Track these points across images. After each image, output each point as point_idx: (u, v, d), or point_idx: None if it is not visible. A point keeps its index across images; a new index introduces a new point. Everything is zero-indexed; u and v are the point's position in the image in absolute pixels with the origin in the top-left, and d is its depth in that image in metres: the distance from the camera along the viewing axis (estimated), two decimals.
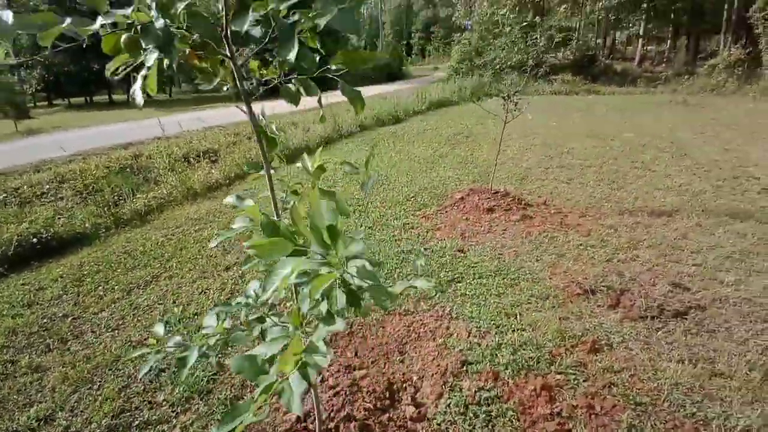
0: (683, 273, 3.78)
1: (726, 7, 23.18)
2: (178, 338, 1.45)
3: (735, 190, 6.01)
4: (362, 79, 33.70)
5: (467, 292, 3.59)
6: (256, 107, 1.47)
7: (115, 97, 38.15)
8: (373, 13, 61.84)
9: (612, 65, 29.14)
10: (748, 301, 3.35)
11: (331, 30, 1.18)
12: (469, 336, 3.01)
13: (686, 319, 3.15)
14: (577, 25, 31.33)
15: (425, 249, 4.41)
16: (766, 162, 7.33)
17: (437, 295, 3.54)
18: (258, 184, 6.35)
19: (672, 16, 26.64)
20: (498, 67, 24.17)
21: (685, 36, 25.48)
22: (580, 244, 4.38)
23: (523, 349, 2.85)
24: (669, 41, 30.40)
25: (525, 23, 24.15)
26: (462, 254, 4.28)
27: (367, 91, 22.45)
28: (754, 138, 9.28)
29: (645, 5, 27.26)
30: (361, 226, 5.17)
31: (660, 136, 9.82)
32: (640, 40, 32.38)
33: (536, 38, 23.16)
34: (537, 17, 24.66)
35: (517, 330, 3.07)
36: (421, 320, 3.23)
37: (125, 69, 1.27)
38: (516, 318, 3.23)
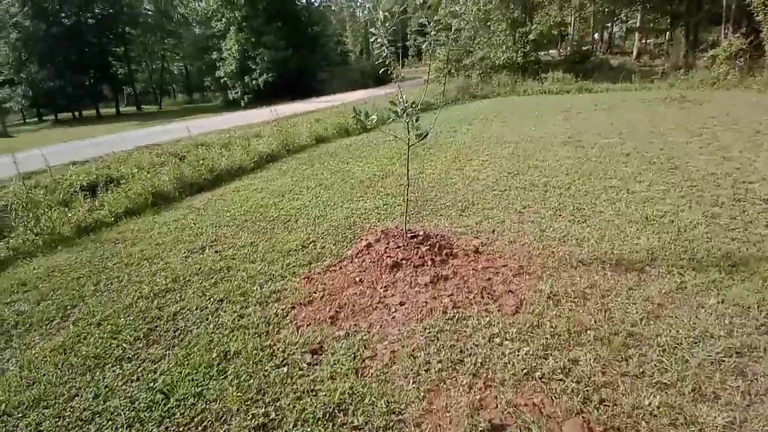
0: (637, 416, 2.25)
1: None
2: None
3: (735, 221, 4.44)
4: (351, 84, 32.37)
5: None
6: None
7: (104, 110, 37.31)
8: (368, 16, 60.43)
9: (607, 60, 27.32)
10: None
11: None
12: None
13: None
14: (571, 20, 29.51)
15: (259, 350, 2.92)
16: None
17: None
18: (141, 230, 4.97)
19: (669, 6, 24.73)
20: (486, 66, 22.72)
21: (683, 26, 23.56)
22: (494, 336, 2.87)
23: None
24: (667, 33, 28.43)
25: (512, 19, 22.60)
26: (315, 357, 2.80)
27: (350, 97, 21.04)
28: (759, 140, 7.62)
29: None
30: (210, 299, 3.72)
31: (649, 141, 8.20)
32: (637, 33, 30.45)
33: (525, 34, 21.50)
34: (525, 13, 23.08)
35: None
36: None
37: None
38: None
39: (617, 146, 8.07)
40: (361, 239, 4.53)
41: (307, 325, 3.13)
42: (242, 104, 30.63)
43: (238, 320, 3.30)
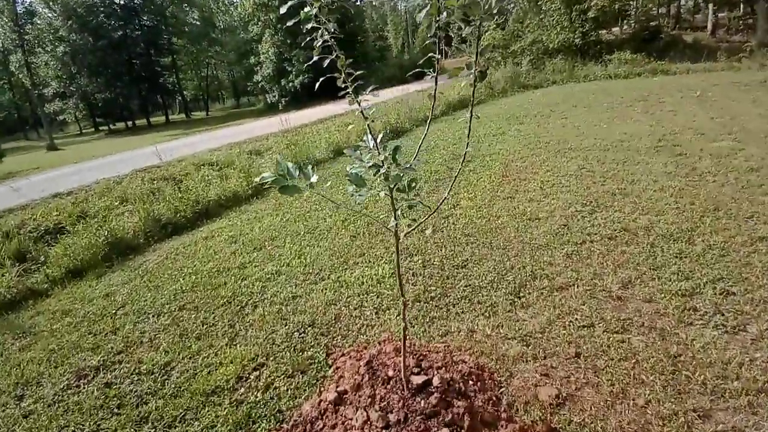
0: None
1: None
2: None
3: None
4: (389, 80, 30.20)
5: None
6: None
7: (154, 119, 37.98)
8: (410, 8, 57.65)
9: (680, 36, 23.04)
10: None
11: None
12: None
13: None
14: None
15: None
16: None
17: None
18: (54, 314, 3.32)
19: None
20: (537, 51, 19.54)
21: None
22: None
23: None
24: (742, 4, 23.17)
25: None
26: None
27: (386, 94, 18.94)
28: None
29: None
30: None
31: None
32: (710, 5, 25.38)
33: (583, 11, 18.10)
34: None
35: None
36: None
37: None
38: None
39: (736, 155, 5.39)
40: (332, 380, 2.50)
41: None
42: (280, 107, 29.58)
43: None
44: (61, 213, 6.69)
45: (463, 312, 3.01)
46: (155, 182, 8.18)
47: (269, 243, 4.71)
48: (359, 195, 1.67)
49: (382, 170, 1.63)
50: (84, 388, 2.76)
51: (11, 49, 31.49)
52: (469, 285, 3.34)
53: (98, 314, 3.73)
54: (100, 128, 36.66)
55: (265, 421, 2.30)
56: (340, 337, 2.93)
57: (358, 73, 1.77)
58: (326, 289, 3.53)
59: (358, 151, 1.76)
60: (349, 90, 1.73)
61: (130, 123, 36.08)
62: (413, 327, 2.90)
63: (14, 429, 2.46)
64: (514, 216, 4.51)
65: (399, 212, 1.77)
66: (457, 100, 13.28)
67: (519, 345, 2.62)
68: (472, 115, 1.79)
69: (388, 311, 3.15)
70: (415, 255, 3.93)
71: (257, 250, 4.58)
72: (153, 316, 3.56)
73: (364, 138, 1.78)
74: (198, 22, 40.56)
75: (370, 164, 1.69)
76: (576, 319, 2.81)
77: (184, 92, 42.53)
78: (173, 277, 4.25)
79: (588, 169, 5.63)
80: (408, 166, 1.68)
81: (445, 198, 1.98)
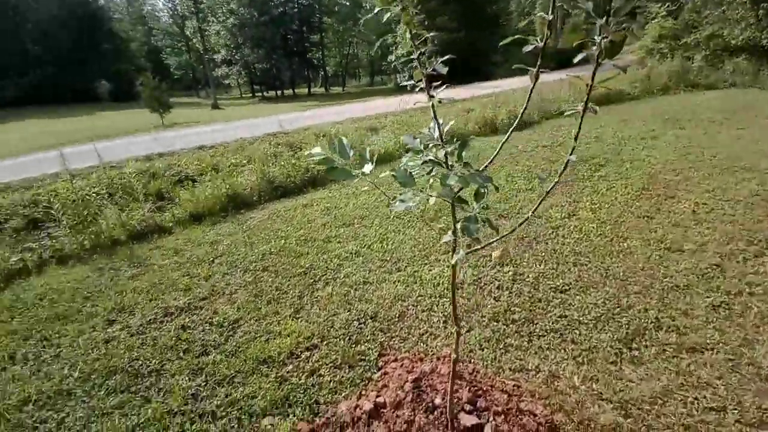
0: None
1: None
2: None
3: None
4: (526, 66, 27.90)
5: None
6: None
7: (299, 90, 41.77)
8: None
9: None
10: None
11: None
12: None
13: None
14: None
15: None
16: None
17: None
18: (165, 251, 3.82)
19: None
20: (715, 47, 15.75)
21: None
22: None
23: None
24: None
25: None
26: None
27: (519, 82, 17.55)
28: None
29: None
30: None
31: None
32: None
33: None
34: None
35: None
36: None
37: None
38: None
39: None
40: (376, 385, 2.24)
41: None
42: (408, 88, 29.79)
43: None
44: (201, 163, 7.65)
45: (549, 348, 2.46)
46: (279, 147, 8.83)
47: (358, 221, 4.62)
48: (401, 200, 1.29)
49: (440, 170, 1.24)
50: (165, 325, 3.01)
51: (187, 15, 37.12)
52: (566, 316, 2.72)
53: (200, 258, 4.09)
54: (256, 94, 41.76)
55: (300, 407, 2.17)
56: (398, 338, 2.65)
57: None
58: (399, 282, 3.27)
59: (417, 140, 1.40)
60: (416, 79, 1.36)
61: (279, 92, 40.29)
62: (482, 350, 2.46)
63: (92, 351, 2.79)
64: (648, 242, 3.60)
65: (459, 228, 1.36)
66: (602, 93, 11.49)
67: (615, 412, 2.00)
68: (585, 111, 1.28)
69: (449, 324, 2.74)
70: (507, 264, 3.39)
71: (346, 225, 4.52)
72: (240, 271, 3.75)
73: (430, 126, 1.40)
74: (347, 3, 42.79)
75: (426, 158, 1.31)
76: (704, 396, 2.06)
77: (327, 68, 45.70)
78: (267, 237, 4.45)
79: (764, 197, 4.24)
80: (477, 170, 1.27)
81: (526, 219, 1.50)
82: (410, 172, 1.32)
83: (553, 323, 2.66)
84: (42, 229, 5.05)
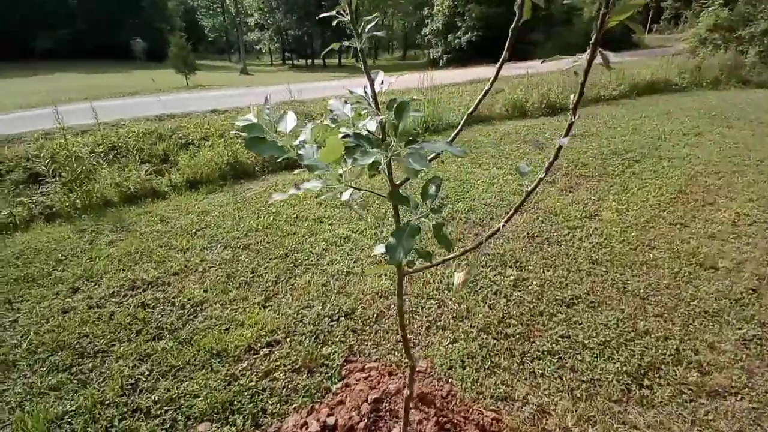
0: None
1: None
2: None
3: None
4: (568, 47, 26.23)
5: None
6: None
7: (329, 61, 40.88)
8: None
9: None
10: None
11: None
12: None
13: None
14: None
15: None
16: None
17: None
18: (153, 218, 3.58)
19: None
20: None
21: None
22: None
23: None
24: None
25: None
26: None
27: (557, 64, 16.41)
28: None
29: None
30: None
31: None
32: None
33: None
34: None
35: None
36: None
37: None
38: None
39: None
40: (332, 399, 1.93)
41: None
42: (440, 63, 28.62)
43: None
44: (210, 127, 7.39)
45: (543, 374, 2.08)
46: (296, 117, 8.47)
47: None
48: (312, 182, 0.93)
49: (366, 149, 0.86)
50: (127, 300, 2.78)
51: None
52: (569, 336, 2.33)
53: (184, 229, 3.84)
54: (287, 62, 41.18)
55: (242, 416, 1.89)
56: (371, 343, 2.33)
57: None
58: (384, 276, 2.92)
59: (349, 105, 1.02)
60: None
61: (310, 61, 39.56)
62: (463, 368, 2.11)
63: (47, 321, 2.58)
64: (678, 254, 3.11)
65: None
66: (647, 81, 10.53)
67: None
68: (579, 100, 0.87)
69: (442, 332, 2.39)
70: (509, 266, 2.98)
71: (343, 206, 4.18)
72: (221, 246, 3.48)
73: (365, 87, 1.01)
74: None
75: (348, 131, 0.93)
76: None
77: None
78: (257, 212, 4.16)
79: None
80: (419, 146, 0.87)
81: (497, 230, 1.11)
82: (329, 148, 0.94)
83: (552, 343, 2.27)
84: (42, 184, 4.93)
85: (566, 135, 0.94)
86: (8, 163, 5.09)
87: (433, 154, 1.03)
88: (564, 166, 5.03)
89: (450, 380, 2.05)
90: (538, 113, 8.40)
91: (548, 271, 2.94)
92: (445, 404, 1.84)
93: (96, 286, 2.95)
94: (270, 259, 3.23)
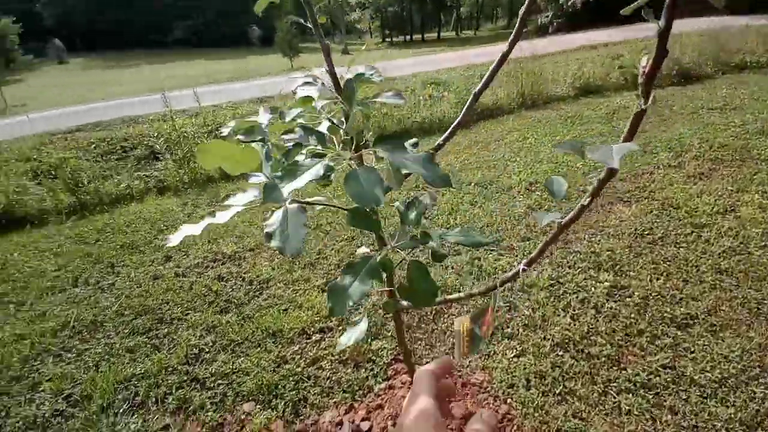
0: None
1: None
2: None
3: None
4: (705, 7, 21.56)
5: None
6: None
7: (428, 35, 39.82)
8: None
9: None
10: None
11: None
12: None
13: None
14: None
15: None
16: None
17: None
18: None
19: None
20: None
21: None
22: None
23: None
24: None
25: None
26: None
27: (691, 23, 13.63)
28: None
29: None
30: None
31: None
32: None
33: None
34: None
35: None
36: None
37: None
38: None
39: None
40: (373, 400, 1.79)
41: None
42: (549, 30, 25.86)
43: None
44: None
45: (630, 412, 1.66)
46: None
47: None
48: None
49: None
50: (207, 272, 2.98)
51: None
52: (674, 367, 1.83)
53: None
54: (386, 39, 41.27)
55: (284, 402, 1.87)
56: (424, 343, 2.12)
57: None
58: (450, 269, 2.65)
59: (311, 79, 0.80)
60: None
61: (408, 37, 39.10)
62: (528, 389, 1.79)
63: (139, 286, 2.88)
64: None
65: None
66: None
67: None
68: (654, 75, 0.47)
69: (507, 341, 2.08)
70: (605, 270, 2.48)
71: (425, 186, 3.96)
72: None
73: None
74: None
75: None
76: None
77: (461, 8, 42.32)
78: (335, 189, 4.16)
79: None
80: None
81: (516, 273, 0.80)
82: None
83: (650, 374, 1.81)
84: (159, 160, 5.62)
85: (628, 137, 0.59)
86: (133, 141, 5.91)
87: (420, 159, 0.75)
88: (695, 146, 4.08)
89: (509, 401, 1.76)
90: (666, 82, 7.00)
91: (657, 279, 2.38)
92: (497, 429, 1.57)
93: (185, 256, 3.23)
94: (337, 240, 3.20)
